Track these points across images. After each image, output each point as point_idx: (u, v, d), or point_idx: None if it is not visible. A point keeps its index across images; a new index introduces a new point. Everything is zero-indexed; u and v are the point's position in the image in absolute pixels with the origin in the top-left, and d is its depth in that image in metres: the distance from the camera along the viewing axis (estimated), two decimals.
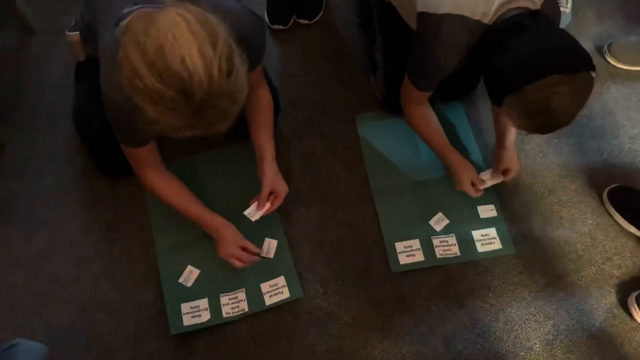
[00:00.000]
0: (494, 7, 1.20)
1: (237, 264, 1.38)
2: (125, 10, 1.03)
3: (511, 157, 1.50)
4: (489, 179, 1.53)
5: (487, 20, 1.21)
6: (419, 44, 1.33)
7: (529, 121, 1.17)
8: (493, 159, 1.54)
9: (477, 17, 1.21)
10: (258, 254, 1.42)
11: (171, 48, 0.87)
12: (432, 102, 1.54)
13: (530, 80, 1.11)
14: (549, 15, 1.23)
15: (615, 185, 1.59)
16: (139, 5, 1.03)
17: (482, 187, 1.51)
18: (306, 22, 1.86)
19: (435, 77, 1.37)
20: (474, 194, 1.50)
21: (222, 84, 0.92)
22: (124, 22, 1.02)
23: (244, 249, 1.39)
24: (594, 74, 1.12)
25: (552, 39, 1.15)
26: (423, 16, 1.27)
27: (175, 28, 0.88)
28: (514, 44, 1.16)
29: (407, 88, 1.44)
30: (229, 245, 1.37)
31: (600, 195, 1.60)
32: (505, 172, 1.52)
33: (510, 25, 1.19)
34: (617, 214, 1.55)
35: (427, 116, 1.51)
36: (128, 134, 1.25)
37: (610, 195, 1.57)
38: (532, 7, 1.22)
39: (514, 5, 1.20)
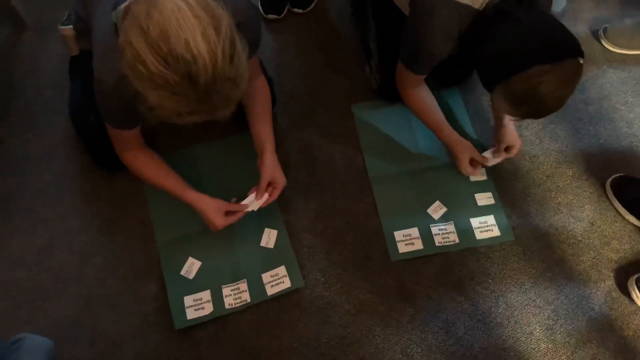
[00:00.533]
0: None
1: (228, 224, 1.39)
2: None
3: (512, 133, 1.51)
4: (491, 158, 1.54)
5: (477, 5, 1.22)
6: (411, 29, 1.34)
7: (518, 109, 1.19)
8: (495, 137, 1.55)
9: (466, 2, 1.21)
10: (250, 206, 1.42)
11: (175, 32, 0.86)
12: (429, 88, 1.55)
13: (516, 71, 1.13)
14: (538, 0, 1.24)
15: (620, 174, 1.59)
16: None
17: (487, 164, 1.53)
18: (300, 11, 1.85)
19: (428, 61, 1.38)
20: (474, 172, 1.52)
21: (226, 68, 0.92)
22: (123, 5, 1.01)
23: (229, 212, 1.39)
24: (581, 61, 1.13)
25: (537, 27, 1.16)
26: (415, 1, 1.28)
27: (179, 12, 0.87)
28: (499, 32, 1.17)
29: (401, 72, 1.45)
30: (215, 218, 1.36)
31: (599, 181, 1.61)
32: (507, 149, 1.53)
33: (497, 12, 1.20)
34: (619, 203, 1.56)
35: (424, 98, 1.52)
36: (118, 116, 1.25)
37: (613, 184, 1.58)
38: None
39: None
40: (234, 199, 1.42)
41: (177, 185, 1.38)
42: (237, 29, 0.97)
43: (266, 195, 1.41)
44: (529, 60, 1.11)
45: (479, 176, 1.59)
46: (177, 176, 1.40)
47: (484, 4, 1.22)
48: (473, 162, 1.52)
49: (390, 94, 1.60)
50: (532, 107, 1.17)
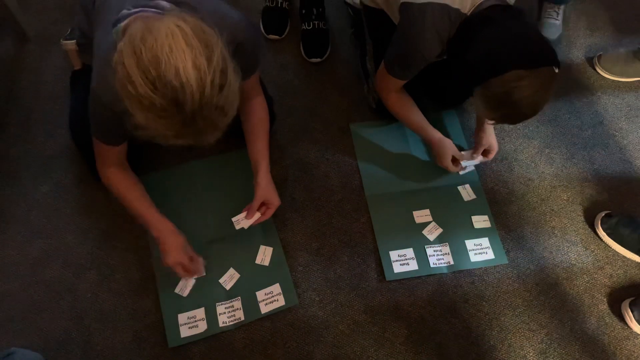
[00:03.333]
0: None
1: (182, 273, 1.37)
2: (124, 11, 1.05)
3: (490, 137, 1.57)
4: (468, 159, 1.59)
5: (465, 10, 1.27)
6: (402, 32, 1.37)
7: (495, 112, 1.24)
8: (474, 140, 1.60)
9: (456, 6, 1.26)
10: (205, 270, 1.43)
11: (167, 58, 0.88)
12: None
13: (494, 74, 1.17)
14: (522, 9, 1.28)
15: (607, 212, 1.59)
16: (139, 9, 1.04)
17: (463, 164, 1.59)
18: (318, 60, 1.84)
19: (415, 64, 1.41)
20: (454, 168, 1.57)
21: (214, 97, 0.93)
22: (122, 24, 1.03)
23: (191, 259, 1.37)
24: (556, 70, 1.17)
25: (518, 34, 1.20)
26: (406, 6, 1.32)
27: (172, 39, 0.89)
28: (482, 37, 1.22)
29: (384, 78, 1.48)
30: (177, 252, 1.34)
31: (592, 207, 1.63)
32: (485, 152, 1.58)
33: (482, 18, 1.25)
34: (610, 240, 1.56)
35: (405, 101, 1.57)
36: (106, 131, 1.26)
37: (602, 222, 1.58)
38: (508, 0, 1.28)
39: None
40: (201, 259, 1.42)
41: (151, 213, 1.34)
42: (237, 49, 0.99)
43: (257, 214, 1.42)
44: (506, 65, 1.16)
45: (462, 170, 1.63)
46: (149, 201, 1.37)
47: (472, 10, 1.27)
48: (454, 160, 1.57)
49: (388, 113, 1.62)
50: (508, 111, 1.22)
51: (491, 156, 1.59)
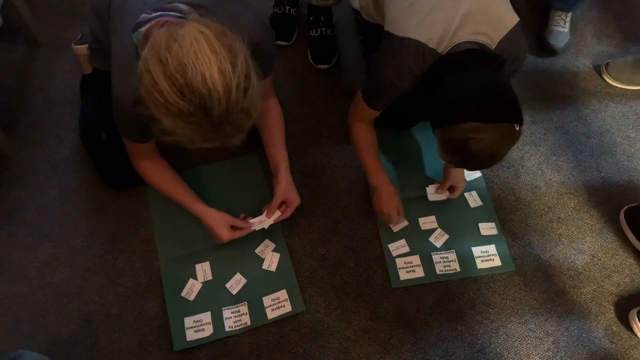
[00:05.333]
0: (448, 36, 1.24)
1: (234, 237, 1.41)
2: (144, 16, 1.06)
3: (458, 174, 1.55)
4: (432, 194, 1.59)
5: (441, 49, 1.26)
6: (378, 60, 1.37)
7: (450, 156, 1.24)
8: (443, 175, 1.58)
9: (432, 45, 1.25)
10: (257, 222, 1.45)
11: (193, 66, 0.89)
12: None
13: (452, 122, 1.17)
14: (504, 55, 1.27)
15: (634, 204, 1.60)
16: (159, 13, 1.05)
17: (428, 198, 1.57)
18: (325, 66, 1.85)
19: (387, 95, 1.40)
20: (397, 219, 1.53)
21: (240, 101, 0.95)
22: (143, 28, 1.04)
23: (235, 227, 1.41)
24: (517, 127, 1.16)
25: (484, 86, 1.19)
26: (386, 35, 1.33)
27: (197, 45, 0.90)
28: (447, 82, 1.21)
29: (358, 105, 1.47)
30: (220, 231, 1.39)
31: (600, 213, 1.63)
32: (451, 188, 1.57)
33: (454, 62, 1.24)
34: (631, 232, 1.57)
35: (368, 134, 1.53)
36: (133, 131, 1.28)
37: (627, 213, 1.59)
38: (489, 43, 1.26)
39: (468, 38, 1.24)
40: (242, 215, 1.45)
41: (187, 197, 1.41)
42: (254, 50, 1.00)
43: (277, 213, 1.43)
44: (465, 115, 1.15)
45: (398, 225, 1.58)
46: (188, 188, 1.43)
47: (447, 50, 1.25)
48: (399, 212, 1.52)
49: (391, 122, 1.62)
50: (462, 159, 1.21)
51: (456, 194, 1.57)
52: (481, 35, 1.25)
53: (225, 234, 1.39)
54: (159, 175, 1.41)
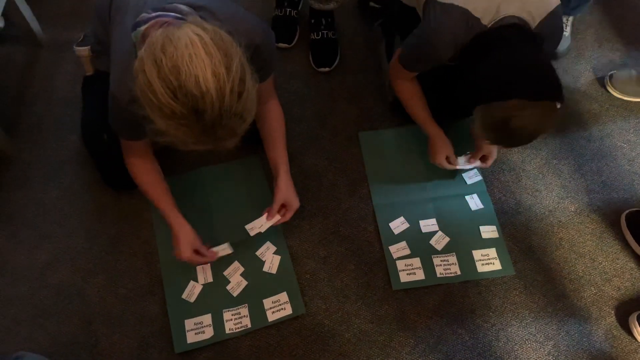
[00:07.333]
0: (494, 8, 1.26)
1: (192, 262, 1.39)
2: (144, 15, 1.06)
3: (491, 145, 1.55)
4: (464, 163, 1.59)
5: (486, 21, 1.27)
6: (422, 27, 1.39)
7: (490, 133, 1.26)
8: (475, 145, 1.59)
9: (478, 15, 1.27)
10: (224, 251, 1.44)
11: (187, 68, 0.90)
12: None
13: (496, 98, 1.18)
14: (542, 35, 1.29)
15: (636, 209, 1.61)
16: (158, 13, 1.05)
17: (457, 167, 1.58)
18: (326, 69, 1.85)
19: (427, 59, 1.42)
20: (446, 166, 1.56)
21: (233, 105, 0.95)
22: (142, 28, 1.04)
23: (198, 252, 1.38)
24: (558, 105, 1.18)
25: (528, 63, 1.21)
26: (429, 4, 1.34)
27: (192, 48, 0.90)
28: (492, 58, 1.23)
29: (395, 65, 1.50)
30: (184, 249, 1.35)
31: (601, 218, 1.63)
32: (483, 158, 1.58)
33: (498, 37, 1.25)
34: (631, 237, 1.57)
35: (413, 90, 1.57)
36: (127, 129, 1.28)
37: (628, 217, 1.59)
38: (530, 21, 1.28)
39: (514, 13, 1.26)
40: (208, 244, 1.42)
41: (167, 204, 1.38)
42: (254, 52, 1.00)
43: (277, 217, 1.43)
44: (511, 92, 1.17)
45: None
46: (170, 195, 1.40)
47: (491, 23, 1.27)
48: (448, 159, 1.56)
49: (402, 110, 1.62)
50: (502, 136, 1.24)
51: (489, 163, 1.58)
52: (525, 13, 1.26)
53: (186, 252, 1.35)
54: (145, 176, 1.39)
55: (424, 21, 1.38)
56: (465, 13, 1.27)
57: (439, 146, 1.55)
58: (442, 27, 1.31)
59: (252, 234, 1.45)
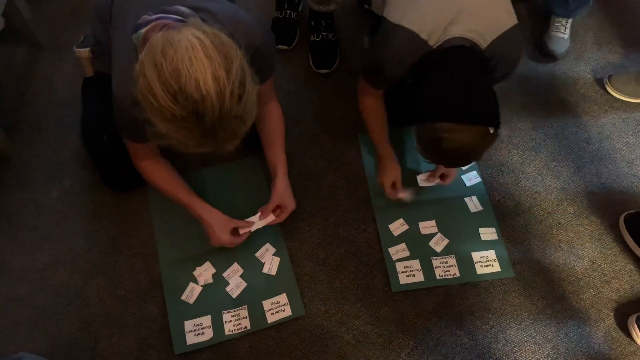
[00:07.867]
0: (440, 30, 1.25)
1: (234, 244, 1.41)
2: (145, 17, 1.06)
3: None
4: (424, 180, 1.61)
5: (432, 42, 1.27)
6: (374, 46, 1.40)
7: (425, 152, 1.27)
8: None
9: (424, 37, 1.26)
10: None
11: (187, 71, 0.90)
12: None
13: (427, 120, 1.20)
14: (495, 56, 1.28)
15: (634, 210, 1.61)
16: (159, 15, 1.06)
17: (399, 195, 1.56)
18: (326, 71, 1.85)
19: (382, 77, 1.42)
20: (391, 194, 1.56)
21: (233, 108, 0.95)
22: (142, 30, 1.04)
23: (235, 230, 1.41)
24: (491, 130, 1.18)
25: (463, 86, 1.21)
26: (384, 22, 1.34)
27: (192, 51, 0.90)
28: (430, 79, 1.24)
29: (362, 82, 1.51)
30: (220, 232, 1.38)
31: (600, 220, 1.63)
32: (442, 176, 1.59)
33: (439, 59, 1.25)
34: (630, 238, 1.57)
35: (375, 108, 1.56)
36: (132, 131, 1.29)
37: (627, 219, 1.59)
38: (480, 42, 1.26)
39: (461, 34, 1.25)
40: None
41: (188, 195, 1.41)
42: (254, 54, 1.00)
43: (271, 217, 1.43)
44: (439, 115, 1.18)
45: (401, 197, 1.59)
46: (189, 188, 1.42)
47: (438, 44, 1.27)
48: (394, 186, 1.55)
49: (394, 116, 1.61)
50: (436, 156, 1.26)
51: (448, 181, 1.59)
52: (473, 33, 1.25)
53: (225, 236, 1.38)
54: (160, 175, 1.41)
55: (376, 39, 1.39)
56: (411, 34, 1.26)
57: (388, 169, 1.54)
58: (389, 47, 1.31)
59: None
